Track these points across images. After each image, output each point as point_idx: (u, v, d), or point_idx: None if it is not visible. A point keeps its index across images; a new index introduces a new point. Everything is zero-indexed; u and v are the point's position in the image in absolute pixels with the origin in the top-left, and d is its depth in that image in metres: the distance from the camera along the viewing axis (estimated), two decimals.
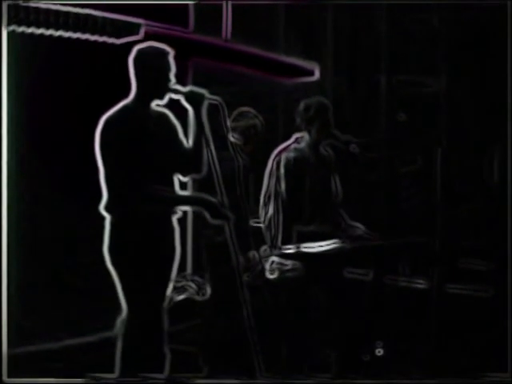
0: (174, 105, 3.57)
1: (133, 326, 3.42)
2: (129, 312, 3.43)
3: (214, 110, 3.57)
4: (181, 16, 4.70)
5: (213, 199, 3.49)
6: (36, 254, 4.00)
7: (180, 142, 3.55)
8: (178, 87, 3.52)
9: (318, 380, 3.72)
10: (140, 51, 3.50)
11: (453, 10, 5.28)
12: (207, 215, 3.48)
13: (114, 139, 3.40)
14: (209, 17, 4.94)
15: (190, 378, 3.64)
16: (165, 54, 3.51)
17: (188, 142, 3.56)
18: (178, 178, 3.55)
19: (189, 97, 3.52)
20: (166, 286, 3.52)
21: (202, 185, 3.70)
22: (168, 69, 3.50)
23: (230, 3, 4.98)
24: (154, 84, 3.49)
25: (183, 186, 3.62)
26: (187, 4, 4.73)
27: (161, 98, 3.51)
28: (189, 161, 3.54)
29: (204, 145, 3.52)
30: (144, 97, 3.49)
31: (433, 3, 5.29)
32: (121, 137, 3.39)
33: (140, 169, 3.34)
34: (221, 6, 4.99)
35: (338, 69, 5.57)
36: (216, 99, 3.55)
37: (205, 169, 3.54)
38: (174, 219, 3.52)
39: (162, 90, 3.50)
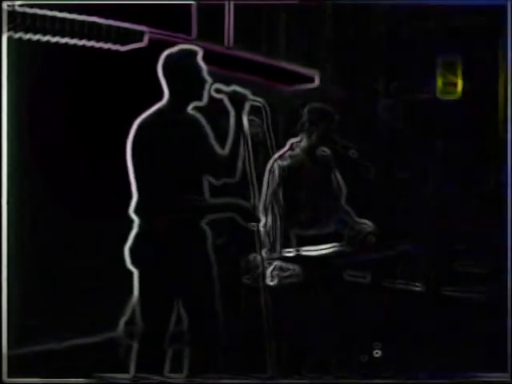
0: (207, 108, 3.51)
1: (150, 328, 3.41)
2: (145, 313, 3.41)
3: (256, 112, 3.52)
4: (184, 23, 4.73)
5: (245, 203, 3.46)
6: (37, 254, 4.00)
7: (212, 147, 3.42)
8: (221, 86, 3.46)
9: (318, 381, 3.77)
10: (171, 55, 3.44)
11: (453, 13, 5.29)
12: (240, 219, 3.44)
13: (148, 144, 3.34)
14: (211, 22, 4.95)
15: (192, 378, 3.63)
16: (195, 54, 3.45)
17: (219, 147, 3.45)
18: (209, 182, 3.46)
19: (232, 97, 3.45)
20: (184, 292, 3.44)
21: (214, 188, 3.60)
22: (201, 68, 3.43)
23: (232, 3, 4.91)
24: (190, 86, 3.42)
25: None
26: (190, 11, 4.71)
27: (199, 98, 3.44)
28: (223, 165, 3.44)
29: (241, 148, 3.44)
30: (180, 100, 3.43)
31: (432, 7, 5.30)
32: (154, 141, 3.33)
33: (171, 175, 3.28)
34: (222, 11, 5.00)
35: (337, 75, 5.61)
36: (259, 101, 3.51)
37: (239, 174, 3.47)
38: (203, 225, 3.43)
39: (198, 90, 3.43)
